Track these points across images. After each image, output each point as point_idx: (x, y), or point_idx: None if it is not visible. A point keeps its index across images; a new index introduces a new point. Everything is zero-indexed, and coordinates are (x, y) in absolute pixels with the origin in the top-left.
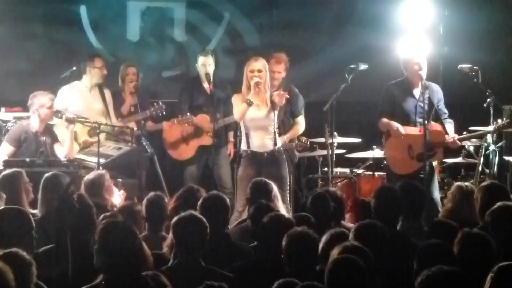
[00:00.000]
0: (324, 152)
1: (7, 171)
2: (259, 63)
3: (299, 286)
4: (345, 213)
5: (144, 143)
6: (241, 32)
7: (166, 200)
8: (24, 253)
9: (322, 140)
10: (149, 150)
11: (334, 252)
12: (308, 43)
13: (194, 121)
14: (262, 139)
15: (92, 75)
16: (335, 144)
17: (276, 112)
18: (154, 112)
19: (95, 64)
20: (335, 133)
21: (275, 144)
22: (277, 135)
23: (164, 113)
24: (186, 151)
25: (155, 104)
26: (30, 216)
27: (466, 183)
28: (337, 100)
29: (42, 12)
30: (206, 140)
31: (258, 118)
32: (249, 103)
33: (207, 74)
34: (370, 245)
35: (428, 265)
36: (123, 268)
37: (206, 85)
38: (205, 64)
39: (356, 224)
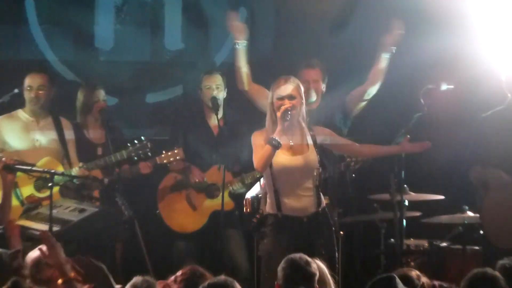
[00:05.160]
0: (390, 215)
1: None
2: (291, 86)
3: None
4: None
5: (120, 202)
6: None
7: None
8: None
9: (386, 197)
10: (126, 213)
11: None
12: (357, 51)
13: (190, 169)
14: (299, 198)
15: (26, 99)
16: (406, 203)
17: (317, 157)
18: (133, 153)
19: (26, 83)
20: (405, 186)
21: (318, 204)
22: (319, 190)
23: (149, 154)
24: (195, 220)
25: (135, 141)
26: None
27: None
28: (407, 137)
29: None
30: (227, 204)
31: (293, 168)
32: (275, 145)
33: (213, 101)
34: None
35: None
36: None
37: (212, 119)
38: (211, 87)
39: (467, 276)
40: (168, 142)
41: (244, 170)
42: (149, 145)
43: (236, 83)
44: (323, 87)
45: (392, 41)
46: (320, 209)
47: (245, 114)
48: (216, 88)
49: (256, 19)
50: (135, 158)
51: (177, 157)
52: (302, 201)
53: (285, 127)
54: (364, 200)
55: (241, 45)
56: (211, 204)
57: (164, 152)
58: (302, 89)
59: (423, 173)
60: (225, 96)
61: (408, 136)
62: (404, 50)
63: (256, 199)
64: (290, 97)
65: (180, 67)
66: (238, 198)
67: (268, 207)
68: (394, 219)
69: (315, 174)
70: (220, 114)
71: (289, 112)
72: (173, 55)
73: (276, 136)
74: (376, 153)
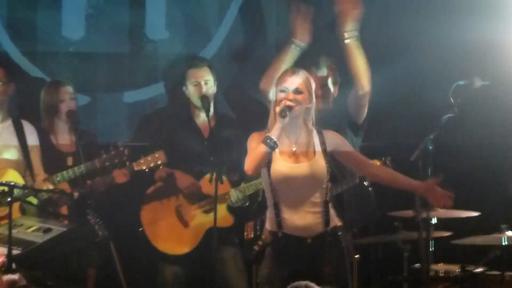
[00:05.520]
0: (414, 235)
1: None
2: (299, 79)
3: None
4: None
5: (92, 220)
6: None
7: None
8: None
9: (409, 214)
10: (100, 232)
11: None
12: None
13: (174, 176)
14: (303, 214)
15: None
16: (434, 222)
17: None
18: (107, 162)
19: None
20: None
21: (326, 222)
22: (330, 206)
23: (127, 163)
24: (187, 239)
25: (110, 148)
26: None
27: None
28: (435, 143)
29: None
30: (225, 219)
31: (296, 177)
32: (270, 145)
33: (204, 101)
34: None
35: None
36: None
37: (201, 119)
38: (199, 83)
39: None
40: (149, 148)
41: (244, 179)
42: (126, 153)
43: (261, 84)
44: (333, 91)
45: (346, 18)
46: (328, 229)
47: (241, 112)
48: (205, 83)
49: (266, 6)
50: (109, 165)
51: (158, 162)
52: (306, 218)
53: (285, 124)
54: (384, 217)
55: (299, 47)
56: (208, 220)
57: (142, 157)
58: (313, 85)
59: (453, 186)
60: (215, 91)
61: (441, 177)
62: (430, 41)
63: (260, 222)
64: (296, 91)
65: (163, 60)
66: (239, 212)
67: (267, 224)
68: (419, 240)
69: (323, 186)
70: (211, 112)
71: (291, 107)
72: (155, 46)
73: (273, 135)
74: (392, 181)
